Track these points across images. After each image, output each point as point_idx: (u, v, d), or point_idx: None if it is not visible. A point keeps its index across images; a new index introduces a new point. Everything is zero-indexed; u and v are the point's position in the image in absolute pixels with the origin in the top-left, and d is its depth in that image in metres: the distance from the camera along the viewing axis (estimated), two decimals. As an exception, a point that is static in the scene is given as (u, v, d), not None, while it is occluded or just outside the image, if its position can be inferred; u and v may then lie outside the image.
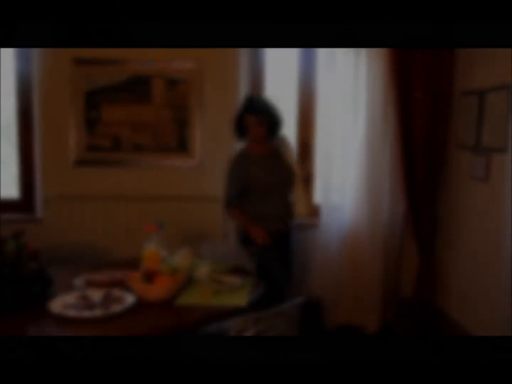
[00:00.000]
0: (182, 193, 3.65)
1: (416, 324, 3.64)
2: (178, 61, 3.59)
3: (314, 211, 3.09)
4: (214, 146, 3.69)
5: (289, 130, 3.80)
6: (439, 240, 3.72)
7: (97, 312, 1.97)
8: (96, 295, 2.16)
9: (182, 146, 3.66)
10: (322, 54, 3.66)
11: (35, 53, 3.57)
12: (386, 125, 3.59)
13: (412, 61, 3.44)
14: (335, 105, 3.59)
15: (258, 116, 2.87)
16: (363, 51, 3.48)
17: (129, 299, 2.11)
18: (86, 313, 1.96)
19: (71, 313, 1.95)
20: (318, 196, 3.67)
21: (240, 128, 2.97)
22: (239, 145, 3.11)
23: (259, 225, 2.85)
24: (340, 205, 3.62)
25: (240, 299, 2.19)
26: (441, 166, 3.56)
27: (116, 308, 2.01)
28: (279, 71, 3.85)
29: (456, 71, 3.47)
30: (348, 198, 3.60)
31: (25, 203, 3.78)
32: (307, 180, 3.61)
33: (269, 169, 2.93)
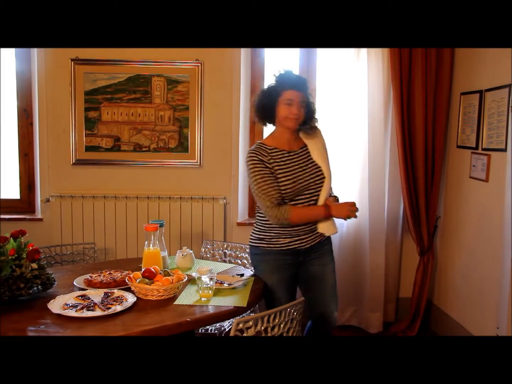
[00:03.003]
0: (182, 193, 3.66)
1: (416, 324, 3.64)
2: (178, 61, 3.59)
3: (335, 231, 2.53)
4: (214, 146, 3.69)
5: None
6: (439, 240, 3.72)
7: (97, 312, 1.97)
8: (96, 295, 2.16)
9: (182, 146, 3.66)
10: (322, 54, 3.67)
11: (35, 53, 3.58)
12: (386, 125, 3.60)
13: (412, 61, 3.44)
14: (335, 105, 3.59)
15: (300, 93, 2.39)
16: (363, 51, 3.49)
17: (129, 299, 2.11)
18: (86, 313, 1.96)
19: (71, 313, 1.95)
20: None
21: (270, 112, 2.44)
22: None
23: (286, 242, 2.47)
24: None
25: (240, 299, 2.19)
26: (441, 166, 3.57)
27: (116, 308, 2.01)
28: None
29: (456, 71, 3.48)
30: (348, 198, 3.59)
31: (25, 203, 3.79)
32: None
33: (296, 173, 2.43)
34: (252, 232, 2.58)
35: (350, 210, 2.42)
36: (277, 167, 2.41)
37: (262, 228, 2.51)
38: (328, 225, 2.48)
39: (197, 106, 3.62)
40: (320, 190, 2.47)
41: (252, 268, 2.64)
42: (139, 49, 3.50)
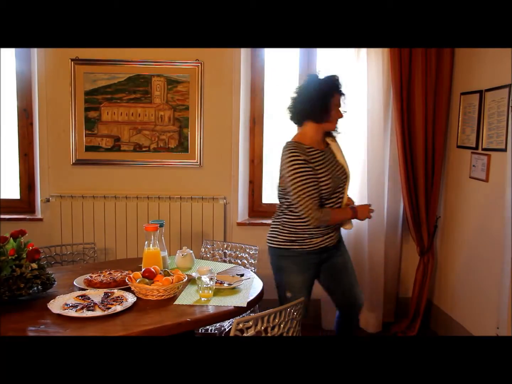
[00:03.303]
0: (182, 193, 3.66)
1: (416, 324, 3.64)
2: (178, 61, 3.59)
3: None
4: (214, 146, 3.69)
5: (289, 130, 3.80)
6: (439, 240, 3.72)
7: (97, 312, 1.97)
8: (96, 295, 2.16)
9: (182, 146, 3.67)
10: (322, 54, 3.67)
11: (35, 53, 3.58)
12: (386, 125, 3.60)
13: (412, 61, 3.44)
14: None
15: (342, 96, 2.53)
16: (363, 51, 3.48)
17: (129, 299, 2.11)
18: (86, 313, 1.96)
19: (71, 313, 1.95)
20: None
21: (323, 111, 2.46)
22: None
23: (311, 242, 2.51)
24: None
25: (240, 299, 2.19)
26: (441, 166, 3.57)
27: (116, 308, 2.01)
28: (279, 71, 3.85)
29: (456, 71, 3.48)
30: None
31: (25, 203, 3.78)
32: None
33: (332, 171, 2.49)
34: (278, 235, 2.53)
35: (369, 211, 2.58)
36: (317, 166, 2.43)
37: (293, 230, 2.49)
38: (349, 221, 2.60)
39: (197, 106, 3.62)
40: (344, 189, 2.56)
41: (274, 270, 2.60)
42: (139, 49, 3.50)
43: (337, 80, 2.50)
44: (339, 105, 2.50)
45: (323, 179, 2.42)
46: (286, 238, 2.51)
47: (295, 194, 2.38)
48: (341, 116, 2.52)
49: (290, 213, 2.50)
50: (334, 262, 2.62)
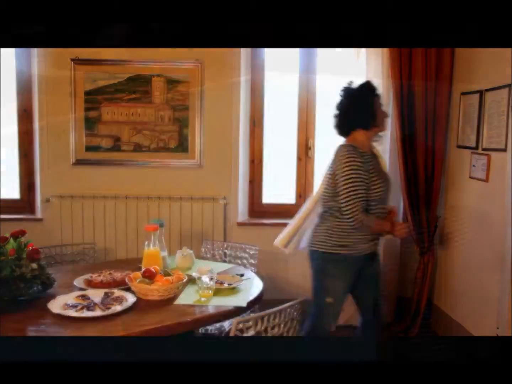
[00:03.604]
0: (182, 193, 3.65)
1: (416, 324, 3.64)
2: (178, 61, 3.59)
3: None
4: (214, 146, 3.69)
5: (289, 131, 3.80)
6: (439, 240, 3.72)
7: (97, 312, 1.97)
8: (96, 295, 2.16)
9: (182, 146, 3.66)
10: (322, 54, 3.66)
11: (35, 53, 3.58)
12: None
13: (412, 61, 3.44)
14: (334, 105, 3.59)
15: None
16: (363, 51, 3.48)
17: (129, 299, 2.11)
18: (86, 313, 1.96)
19: (71, 313, 1.95)
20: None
21: (375, 115, 2.50)
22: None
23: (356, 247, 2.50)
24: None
25: (240, 299, 2.19)
26: (441, 166, 3.56)
27: (116, 308, 2.00)
28: (279, 71, 3.85)
29: (456, 71, 3.48)
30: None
31: (25, 203, 3.78)
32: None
33: (383, 176, 2.50)
34: (327, 239, 2.50)
35: (405, 232, 2.55)
36: (371, 170, 2.43)
37: (343, 234, 2.47)
38: None
39: (197, 106, 3.62)
40: (389, 196, 2.58)
41: (315, 274, 2.57)
42: (139, 49, 3.50)
43: (372, 84, 2.53)
44: (380, 106, 2.52)
45: (375, 183, 2.42)
46: (336, 242, 2.47)
47: (345, 193, 2.38)
48: (386, 115, 2.55)
49: (341, 217, 2.46)
50: (371, 271, 2.63)
